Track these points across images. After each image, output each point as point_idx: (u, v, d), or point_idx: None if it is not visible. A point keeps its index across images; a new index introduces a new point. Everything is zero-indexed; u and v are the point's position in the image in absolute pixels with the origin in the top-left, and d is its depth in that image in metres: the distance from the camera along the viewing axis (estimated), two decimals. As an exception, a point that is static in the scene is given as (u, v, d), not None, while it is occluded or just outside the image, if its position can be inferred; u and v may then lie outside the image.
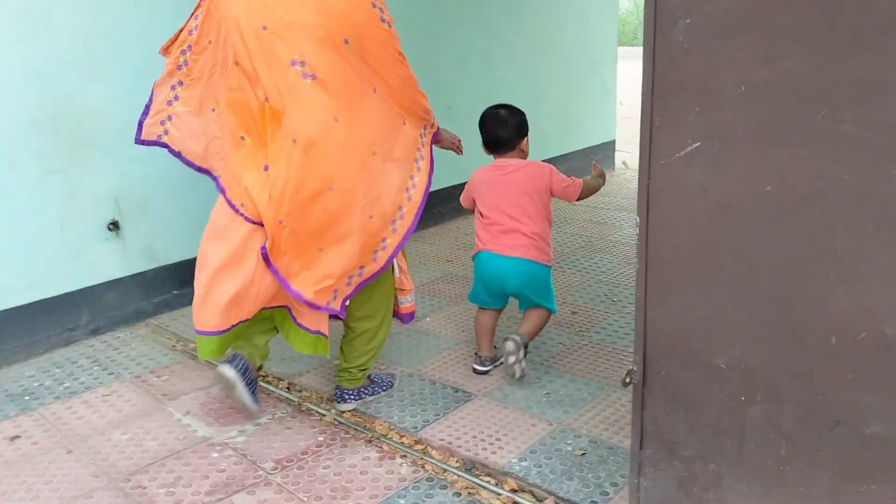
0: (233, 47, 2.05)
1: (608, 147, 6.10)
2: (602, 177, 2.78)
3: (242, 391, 2.30)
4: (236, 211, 2.14)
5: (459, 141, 2.69)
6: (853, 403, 1.41)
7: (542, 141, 5.31)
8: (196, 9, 2.21)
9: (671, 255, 1.61)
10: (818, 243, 1.40)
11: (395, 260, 2.35)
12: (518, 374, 2.58)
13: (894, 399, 1.37)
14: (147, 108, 2.34)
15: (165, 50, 2.30)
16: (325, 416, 2.53)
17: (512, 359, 2.56)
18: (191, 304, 2.33)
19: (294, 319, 2.35)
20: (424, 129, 2.36)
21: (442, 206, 4.76)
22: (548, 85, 5.36)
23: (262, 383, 2.72)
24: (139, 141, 2.35)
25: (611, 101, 6.04)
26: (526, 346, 2.62)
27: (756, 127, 1.43)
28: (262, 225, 2.12)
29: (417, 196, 2.29)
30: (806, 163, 1.38)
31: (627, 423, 2.13)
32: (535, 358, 2.90)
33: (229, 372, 2.27)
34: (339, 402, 2.54)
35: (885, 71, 1.26)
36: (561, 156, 5.58)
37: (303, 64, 2.01)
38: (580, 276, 3.80)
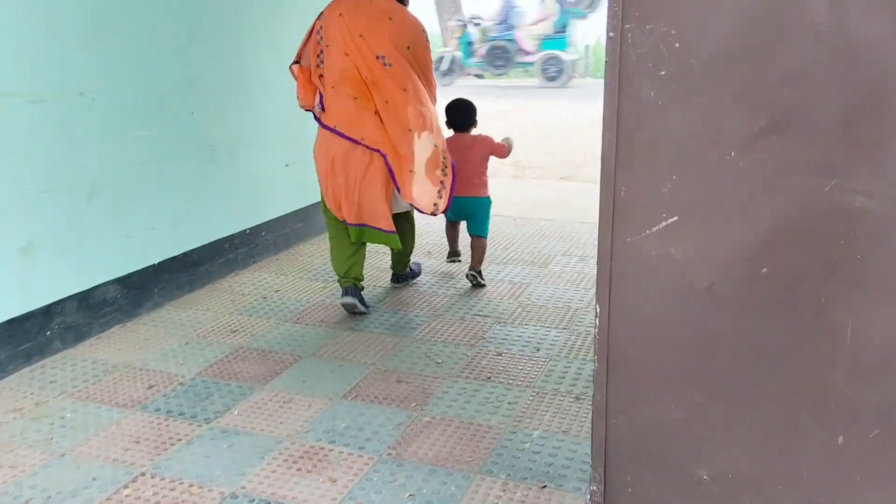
0: (344, 47, 3.37)
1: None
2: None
3: (361, 308, 3.67)
4: (357, 143, 3.38)
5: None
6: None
7: (312, 184, 4.87)
8: (313, 29, 3.53)
9: (640, 351, 1.33)
10: (819, 326, 1.22)
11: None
12: (481, 282, 4.09)
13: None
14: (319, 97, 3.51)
15: (299, 56, 3.61)
16: None
17: (474, 284, 4.08)
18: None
19: (375, 228, 3.52)
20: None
21: (210, 263, 4.10)
22: (312, 122, 4.94)
23: None
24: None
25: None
26: (479, 273, 4.09)
27: (747, 197, 1.21)
28: (379, 151, 3.39)
29: (450, 171, 3.61)
30: (805, 239, 1.19)
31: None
32: (380, 448, 2.49)
33: (351, 300, 3.64)
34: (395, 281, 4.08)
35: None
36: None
37: (384, 58, 3.36)
38: (391, 337, 3.44)
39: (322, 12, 3.48)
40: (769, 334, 1.24)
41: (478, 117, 4.05)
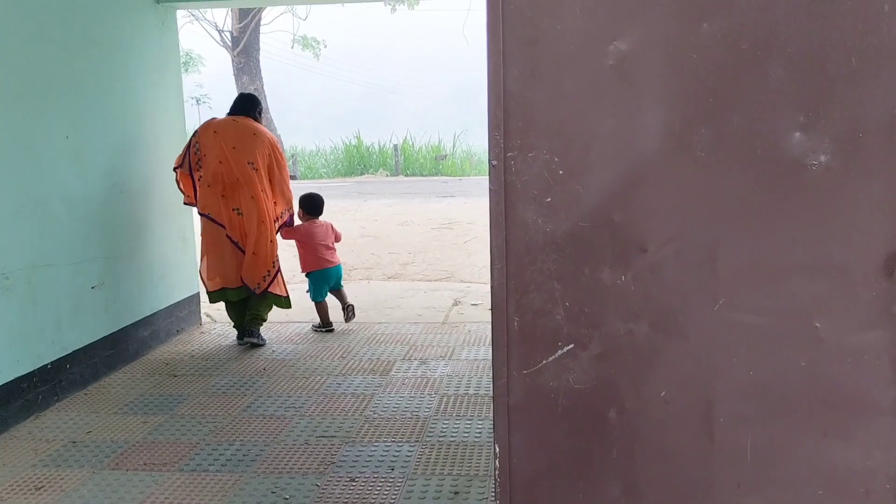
0: (219, 156, 4.58)
1: (193, 301, 5.45)
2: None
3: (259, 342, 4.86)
4: (221, 227, 4.65)
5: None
6: None
7: (123, 305, 4.45)
8: (190, 144, 4.70)
9: (545, 489, 1.24)
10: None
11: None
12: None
13: None
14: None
15: (178, 163, 4.74)
16: None
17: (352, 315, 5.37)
18: None
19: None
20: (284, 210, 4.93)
21: (4, 408, 3.54)
22: (122, 238, 4.56)
23: None
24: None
25: (190, 251, 5.43)
26: (352, 306, 5.37)
27: (651, 328, 1.19)
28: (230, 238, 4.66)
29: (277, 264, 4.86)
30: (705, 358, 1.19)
31: None
32: None
33: (253, 339, 4.84)
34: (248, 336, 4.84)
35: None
36: (143, 319, 4.75)
37: (252, 163, 4.60)
38: (228, 474, 3.11)
39: (196, 131, 4.67)
40: (704, 473, 1.20)
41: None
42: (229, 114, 4.81)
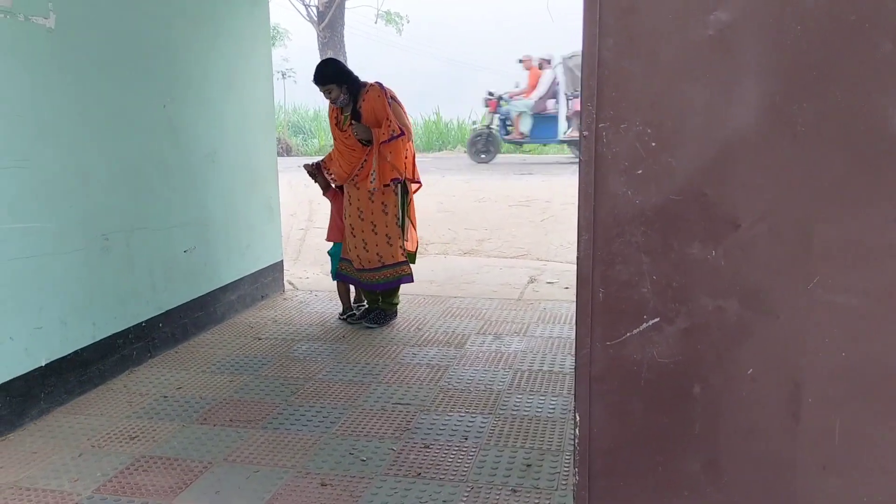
0: None
1: (277, 268, 5.63)
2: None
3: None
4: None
5: None
6: None
7: (212, 269, 4.64)
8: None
9: (623, 461, 1.26)
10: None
11: None
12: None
13: None
14: None
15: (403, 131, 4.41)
16: None
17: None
18: None
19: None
20: None
21: (102, 362, 3.76)
22: (212, 205, 4.74)
23: None
24: None
25: (276, 221, 5.61)
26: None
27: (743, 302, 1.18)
28: None
29: None
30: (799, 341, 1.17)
31: None
32: (313, 566, 2.27)
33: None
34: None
35: None
36: (231, 283, 4.94)
37: None
38: (308, 434, 3.23)
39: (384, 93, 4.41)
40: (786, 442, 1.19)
41: None
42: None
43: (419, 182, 4.60)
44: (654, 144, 1.17)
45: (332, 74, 4.37)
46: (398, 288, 4.74)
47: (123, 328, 3.92)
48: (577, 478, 1.27)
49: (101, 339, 3.75)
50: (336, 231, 4.79)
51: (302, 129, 22.06)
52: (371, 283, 4.63)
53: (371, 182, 4.40)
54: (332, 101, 4.45)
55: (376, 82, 4.47)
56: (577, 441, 1.26)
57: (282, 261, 5.67)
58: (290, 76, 26.29)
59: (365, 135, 4.38)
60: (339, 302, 4.98)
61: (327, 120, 4.78)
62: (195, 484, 2.79)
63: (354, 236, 4.57)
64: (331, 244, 4.96)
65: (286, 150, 18.12)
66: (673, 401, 1.22)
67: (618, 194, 1.19)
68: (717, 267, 1.18)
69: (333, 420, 3.35)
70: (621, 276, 1.20)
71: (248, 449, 3.08)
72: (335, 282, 4.87)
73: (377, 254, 4.52)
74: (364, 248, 4.55)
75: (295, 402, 3.56)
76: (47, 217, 3.38)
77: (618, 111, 1.17)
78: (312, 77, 4.39)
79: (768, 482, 1.21)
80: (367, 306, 4.90)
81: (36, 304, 3.33)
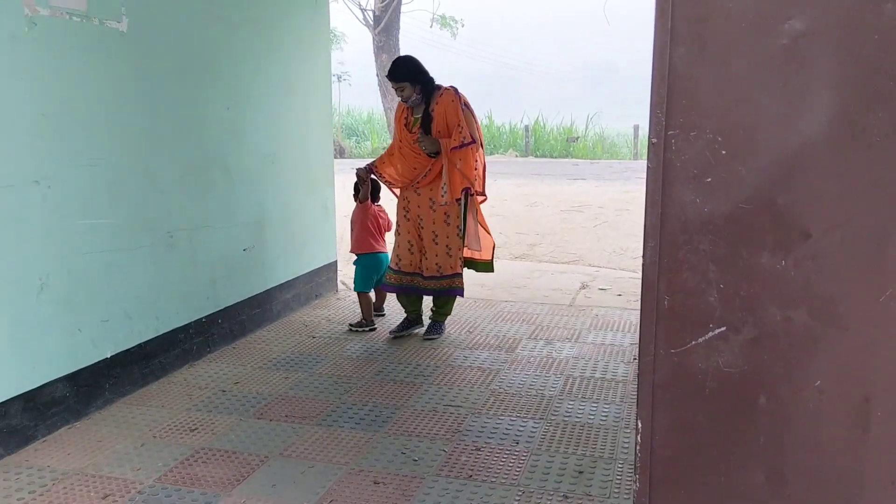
0: None
1: (331, 269, 5.72)
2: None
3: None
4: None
5: None
6: None
7: (269, 268, 4.74)
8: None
9: (685, 469, 1.25)
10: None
11: None
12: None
13: None
14: None
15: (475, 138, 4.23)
16: None
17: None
18: None
19: None
20: None
21: (164, 355, 3.88)
22: (271, 206, 4.85)
23: None
24: None
25: (331, 221, 5.70)
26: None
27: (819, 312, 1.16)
28: None
29: None
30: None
31: None
32: (366, 562, 2.30)
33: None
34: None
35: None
36: (287, 282, 5.04)
37: None
38: (361, 432, 3.27)
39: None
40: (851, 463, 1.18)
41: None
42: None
43: (485, 195, 4.38)
44: (724, 152, 1.17)
45: (407, 72, 4.17)
46: (454, 298, 4.55)
47: (185, 323, 4.04)
48: (637, 485, 1.27)
49: (163, 333, 3.87)
50: (366, 243, 4.63)
51: (355, 131, 22.34)
52: (426, 290, 4.47)
53: (443, 195, 4.20)
54: (404, 100, 4.24)
55: (451, 87, 4.27)
56: (638, 448, 1.26)
57: (336, 261, 5.75)
58: (345, 79, 26.57)
59: (433, 148, 4.17)
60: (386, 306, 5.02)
61: (381, 122, 4.73)
62: (252, 477, 2.86)
63: (416, 244, 4.43)
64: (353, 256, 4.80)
65: (339, 153, 18.37)
66: (737, 411, 1.22)
67: (686, 202, 1.19)
68: (786, 277, 1.17)
69: (385, 419, 3.39)
70: (688, 284, 1.19)
71: (303, 445, 3.14)
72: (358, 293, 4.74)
73: (436, 264, 4.38)
74: (424, 256, 4.42)
75: (348, 401, 3.62)
76: (117, 214, 3.50)
77: (688, 119, 1.17)
78: (387, 72, 4.21)
79: (834, 497, 1.19)
80: (383, 314, 4.89)
81: (104, 298, 3.46)
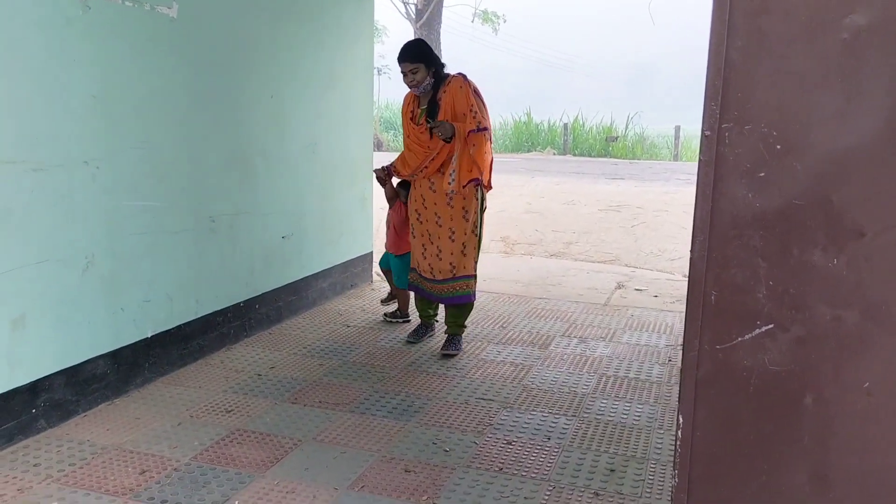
0: None
1: (366, 259, 5.76)
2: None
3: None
4: None
5: None
6: None
7: (306, 256, 4.79)
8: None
9: (725, 466, 1.24)
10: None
11: None
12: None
13: None
14: None
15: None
16: None
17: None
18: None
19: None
20: None
21: (202, 337, 3.95)
22: (310, 195, 4.89)
23: None
24: None
25: (367, 213, 5.74)
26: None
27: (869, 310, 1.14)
28: None
29: None
30: None
31: None
32: (396, 548, 2.32)
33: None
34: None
35: None
36: (323, 271, 5.09)
37: None
38: (393, 421, 3.29)
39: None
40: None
41: None
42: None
43: (491, 188, 4.10)
44: (778, 147, 1.15)
45: (422, 52, 3.94)
46: (469, 308, 4.25)
47: (223, 307, 4.10)
48: (676, 480, 1.26)
49: (202, 316, 3.93)
50: (406, 244, 4.42)
51: (393, 124, 22.44)
52: (439, 297, 4.18)
53: (450, 183, 3.92)
54: (415, 85, 3.95)
55: (460, 73, 4.03)
56: (678, 443, 1.25)
57: (371, 252, 5.79)
58: (385, 72, 26.66)
59: (448, 132, 3.87)
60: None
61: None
62: (286, 459, 2.90)
63: (432, 243, 4.10)
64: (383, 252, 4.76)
65: (377, 146, 18.47)
66: (782, 410, 1.20)
67: (737, 196, 1.18)
68: (838, 276, 1.15)
69: (417, 409, 3.41)
70: (736, 280, 1.18)
71: (336, 430, 3.17)
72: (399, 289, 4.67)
73: (450, 263, 4.06)
74: (438, 256, 4.09)
75: (381, 389, 3.64)
76: (161, 197, 3.57)
77: (742, 112, 1.16)
78: (398, 54, 3.95)
79: (880, 500, 1.17)
80: (403, 315, 4.76)
81: (146, 279, 3.53)
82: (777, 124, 1.14)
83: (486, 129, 3.91)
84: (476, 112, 3.90)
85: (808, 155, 1.14)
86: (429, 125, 3.94)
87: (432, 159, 4.01)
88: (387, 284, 5.02)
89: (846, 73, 1.13)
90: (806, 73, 1.13)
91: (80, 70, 3.09)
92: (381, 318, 4.79)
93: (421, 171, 4.08)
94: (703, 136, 1.18)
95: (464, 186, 3.92)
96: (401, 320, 4.73)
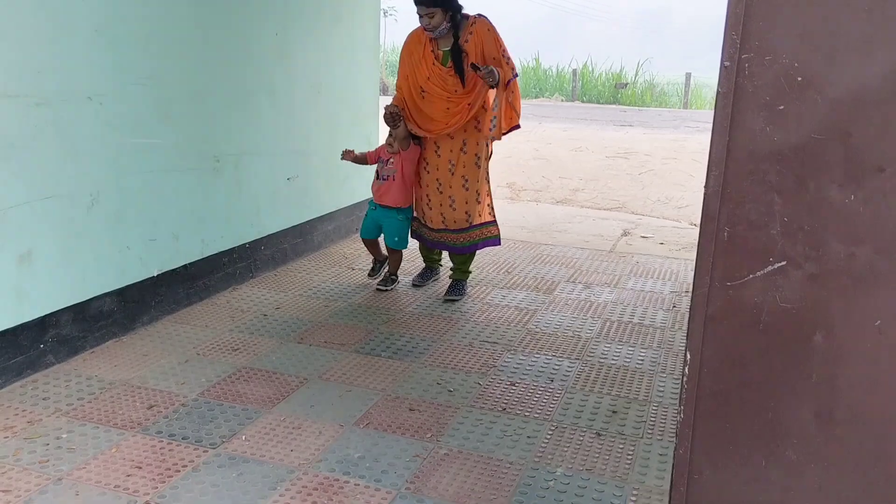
0: None
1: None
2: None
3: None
4: None
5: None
6: None
7: (312, 198, 4.77)
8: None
9: (731, 403, 1.24)
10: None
11: None
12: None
13: None
14: None
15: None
16: None
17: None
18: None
19: None
20: None
21: (208, 277, 3.96)
22: (316, 136, 4.84)
23: None
24: None
25: (374, 155, 5.67)
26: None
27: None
28: None
29: None
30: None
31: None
32: (397, 481, 2.37)
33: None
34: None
35: None
36: (328, 214, 5.07)
37: None
38: (398, 361, 3.32)
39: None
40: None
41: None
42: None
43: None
44: (800, 79, 1.12)
45: None
46: (474, 253, 4.19)
47: (229, 247, 4.10)
48: (681, 416, 1.26)
49: (208, 256, 3.94)
50: (402, 193, 4.09)
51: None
52: (457, 246, 4.08)
53: (491, 129, 3.77)
54: (431, 29, 3.68)
55: (480, 14, 3.80)
56: (685, 380, 1.25)
57: (377, 195, 5.74)
58: (391, 14, 26.12)
59: (497, 78, 3.64)
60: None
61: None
62: (292, 396, 2.94)
63: (441, 192, 3.96)
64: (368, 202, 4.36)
65: (383, 90, 18.23)
66: (791, 347, 1.19)
67: (755, 129, 1.15)
68: (854, 212, 1.13)
69: (422, 351, 3.43)
70: (750, 216, 1.16)
71: (342, 370, 3.20)
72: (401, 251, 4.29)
73: (466, 212, 3.95)
74: (451, 206, 3.95)
75: (385, 331, 3.66)
76: (165, 135, 3.54)
77: (763, 42, 1.12)
78: None
79: (885, 439, 1.17)
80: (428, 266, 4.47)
81: (152, 218, 3.52)
82: (799, 55, 1.11)
83: (517, 76, 3.80)
84: (509, 58, 3.72)
85: (831, 88, 1.11)
86: (475, 70, 3.62)
87: (465, 109, 3.76)
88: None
89: (873, 1, 1.09)
90: (830, 2, 1.09)
91: (84, 2, 3.02)
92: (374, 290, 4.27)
93: (451, 126, 3.82)
94: (723, 67, 1.14)
95: (504, 133, 3.80)
96: (391, 287, 4.26)
